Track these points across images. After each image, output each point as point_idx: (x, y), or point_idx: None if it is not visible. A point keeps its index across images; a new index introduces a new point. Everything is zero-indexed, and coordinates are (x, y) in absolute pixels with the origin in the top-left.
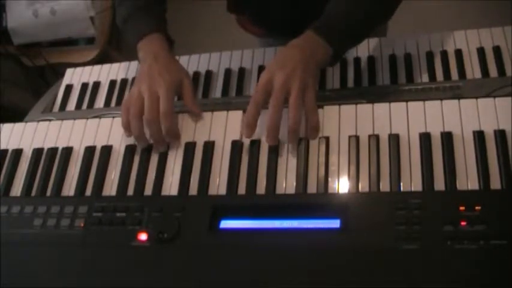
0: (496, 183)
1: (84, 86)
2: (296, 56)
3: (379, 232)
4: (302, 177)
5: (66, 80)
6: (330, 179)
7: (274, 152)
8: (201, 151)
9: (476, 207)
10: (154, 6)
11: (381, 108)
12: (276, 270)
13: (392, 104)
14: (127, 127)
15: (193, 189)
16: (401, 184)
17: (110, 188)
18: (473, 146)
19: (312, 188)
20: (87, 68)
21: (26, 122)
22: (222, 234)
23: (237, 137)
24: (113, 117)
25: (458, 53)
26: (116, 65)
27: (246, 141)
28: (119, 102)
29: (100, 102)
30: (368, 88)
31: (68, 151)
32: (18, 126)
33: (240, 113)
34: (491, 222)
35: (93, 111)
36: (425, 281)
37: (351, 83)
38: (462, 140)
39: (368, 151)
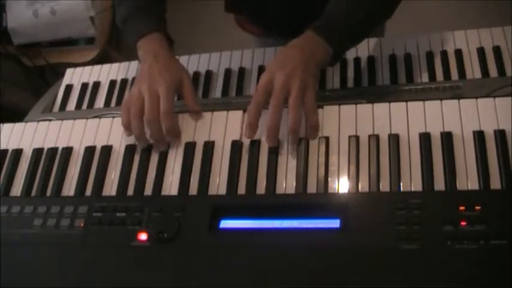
0: (496, 183)
1: (84, 86)
2: (296, 56)
3: (379, 232)
4: (302, 177)
5: (66, 80)
6: (329, 179)
7: (274, 152)
8: (201, 151)
9: (476, 207)
10: (154, 6)
11: (381, 108)
12: (276, 270)
13: (392, 104)
14: (127, 127)
15: (193, 189)
16: (401, 184)
17: (110, 188)
18: (473, 146)
19: (312, 188)
20: (87, 68)
21: (26, 122)
22: (222, 234)
23: (237, 137)
24: (113, 117)
25: (458, 53)
26: (115, 65)
27: (246, 141)
28: (119, 102)
29: (100, 102)
30: (368, 88)
31: (68, 151)
32: (18, 126)
33: (240, 113)
34: (491, 222)
35: (93, 111)
36: (425, 281)
37: (351, 83)
38: (462, 140)
39: (368, 151)
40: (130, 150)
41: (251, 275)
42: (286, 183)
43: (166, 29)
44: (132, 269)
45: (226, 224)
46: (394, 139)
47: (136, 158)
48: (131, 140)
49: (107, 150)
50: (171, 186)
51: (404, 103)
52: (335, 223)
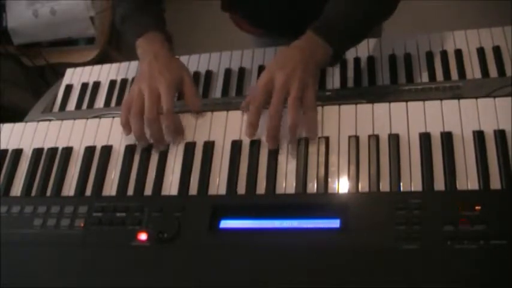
0: (496, 183)
1: (84, 86)
2: (296, 56)
3: (379, 232)
4: (302, 177)
5: (66, 80)
6: (329, 179)
7: (274, 152)
8: (201, 151)
9: (476, 207)
10: (152, 6)
11: (381, 108)
12: (276, 270)
13: (392, 104)
14: (126, 126)
15: (193, 189)
16: (401, 184)
17: (110, 188)
18: (473, 146)
19: (311, 188)
20: (87, 68)
21: (26, 122)
22: (222, 234)
23: (237, 137)
24: (113, 117)
25: (458, 53)
26: (115, 65)
27: (246, 141)
28: (119, 102)
29: (100, 102)
30: (368, 88)
31: (68, 151)
32: (18, 126)
33: (240, 113)
34: (491, 222)
35: (93, 111)
36: (425, 281)
37: (350, 83)
38: (462, 140)
39: (368, 151)
40: (130, 150)
41: (251, 275)
42: (286, 183)
43: (165, 28)
44: (132, 269)
45: (226, 224)
46: (394, 139)
47: (136, 158)
48: (131, 140)
49: (107, 150)
50: (171, 186)
51: (404, 103)
52: (335, 223)
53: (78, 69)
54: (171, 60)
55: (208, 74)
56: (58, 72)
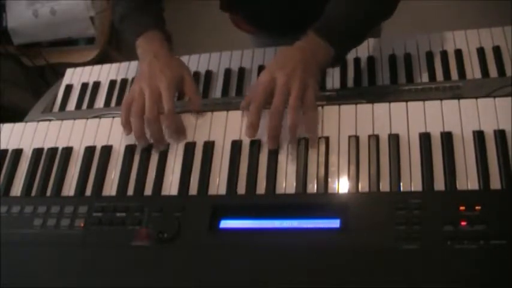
0: (496, 183)
1: (84, 86)
2: (296, 56)
3: (379, 232)
4: (302, 177)
5: (66, 80)
6: (329, 179)
7: (274, 152)
8: (201, 151)
9: (476, 207)
10: (151, 5)
11: (381, 108)
12: (276, 270)
13: (392, 104)
14: (126, 125)
15: (193, 189)
16: (401, 184)
17: (110, 188)
18: (473, 146)
19: (311, 188)
20: (87, 68)
21: (26, 122)
22: (222, 234)
23: (237, 137)
24: (113, 117)
25: (458, 53)
26: (115, 65)
27: (246, 141)
28: (119, 102)
29: (100, 102)
30: (368, 88)
31: (68, 151)
32: (18, 126)
33: (240, 113)
34: (491, 222)
35: (93, 111)
36: (425, 281)
37: (350, 83)
38: (462, 140)
39: (368, 151)
40: (130, 150)
41: (251, 275)
42: (286, 183)
43: (165, 27)
44: (132, 269)
45: (226, 224)
46: (394, 139)
47: (136, 158)
48: (131, 140)
49: (107, 150)
50: (171, 186)
51: (404, 103)
52: (335, 223)
53: (78, 69)
54: (172, 59)
55: (208, 74)
56: (58, 72)
